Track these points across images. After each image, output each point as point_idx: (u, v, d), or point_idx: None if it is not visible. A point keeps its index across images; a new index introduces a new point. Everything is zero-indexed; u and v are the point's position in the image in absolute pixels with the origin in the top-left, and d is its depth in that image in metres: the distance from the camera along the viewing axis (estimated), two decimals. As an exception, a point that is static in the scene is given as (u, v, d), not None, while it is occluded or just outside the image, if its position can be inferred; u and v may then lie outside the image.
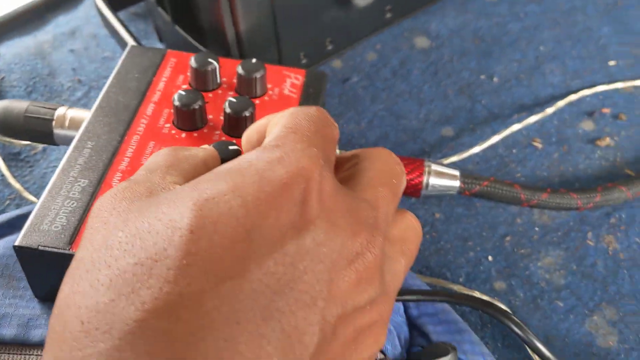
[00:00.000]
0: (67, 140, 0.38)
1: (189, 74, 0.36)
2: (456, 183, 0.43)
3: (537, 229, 0.46)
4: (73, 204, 0.29)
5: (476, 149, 0.48)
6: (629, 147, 0.50)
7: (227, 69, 0.37)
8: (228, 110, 0.32)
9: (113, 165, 0.31)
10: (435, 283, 0.43)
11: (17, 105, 0.40)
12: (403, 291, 0.34)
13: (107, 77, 0.55)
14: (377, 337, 0.22)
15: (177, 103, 0.32)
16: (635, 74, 0.55)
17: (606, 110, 0.52)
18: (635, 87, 0.54)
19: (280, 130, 0.23)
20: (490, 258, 0.44)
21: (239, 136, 0.30)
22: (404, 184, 0.25)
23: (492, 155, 0.50)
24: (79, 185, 0.30)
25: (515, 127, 0.50)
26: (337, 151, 0.33)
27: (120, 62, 0.37)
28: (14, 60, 0.56)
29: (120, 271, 0.18)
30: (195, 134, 0.33)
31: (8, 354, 0.29)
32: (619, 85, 0.53)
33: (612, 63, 0.56)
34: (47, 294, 0.30)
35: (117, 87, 0.35)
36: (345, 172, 0.25)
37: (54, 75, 0.56)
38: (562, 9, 0.60)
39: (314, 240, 0.20)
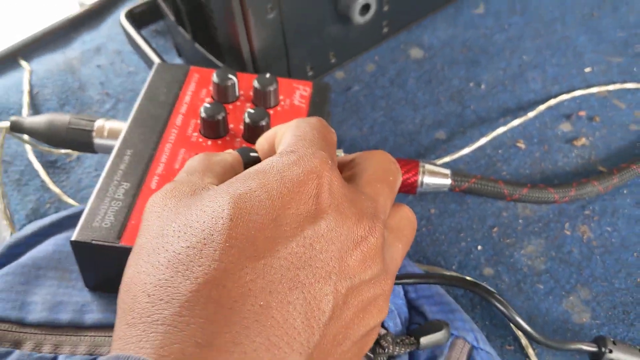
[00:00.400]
0: (106, 149, 0.40)
1: (211, 88, 0.38)
2: (447, 181, 0.45)
3: (520, 221, 0.47)
4: (119, 204, 0.31)
5: (466, 150, 0.49)
6: (602, 146, 0.51)
7: (243, 83, 0.38)
8: (247, 120, 0.34)
9: (151, 170, 0.33)
10: (431, 270, 0.44)
11: (60, 118, 0.41)
12: (403, 276, 0.35)
13: (132, 90, 0.56)
14: (380, 308, 0.24)
15: (203, 115, 0.34)
16: (608, 79, 0.55)
17: (582, 113, 0.53)
18: (609, 92, 0.54)
19: (291, 138, 0.25)
20: (479, 247, 0.45)
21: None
22: (399, 181, 0.27)
23: (481, 156, 0.51)
24: (123, 187, 0.32)
25: (501, 129, 0.51)
26: (341, 153, 0.36)
27: (149, 78, 0.38)
28: (46, 76, 0.57)
29: (176, 253, 0.21)
30: (220, 142, 0.35)
31: (66, 335, 0.31)
32: (594, 90, 0.54)
33: (587, 70, 0.56)
34: (95, 284, 0.33)
35: (148, 100, 0.37)
36: (348, 172, 0.27)
37: (83, 89, 0.56)
38: (543, 20, 0.61)
39: (327, 226, 0.22)
